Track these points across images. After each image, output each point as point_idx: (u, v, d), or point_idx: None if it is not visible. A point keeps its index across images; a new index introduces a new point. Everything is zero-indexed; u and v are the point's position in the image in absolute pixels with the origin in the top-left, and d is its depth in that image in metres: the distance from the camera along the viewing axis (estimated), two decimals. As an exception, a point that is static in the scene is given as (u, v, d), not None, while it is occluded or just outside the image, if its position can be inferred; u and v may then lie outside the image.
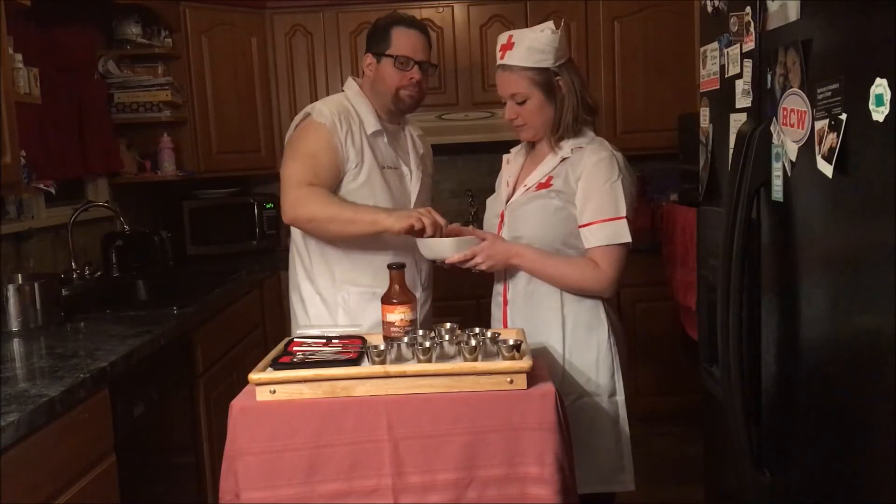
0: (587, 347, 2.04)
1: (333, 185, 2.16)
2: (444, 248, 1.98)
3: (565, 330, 2.04)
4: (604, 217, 1.98)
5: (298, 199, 2.10)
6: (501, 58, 2.03)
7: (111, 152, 3.39)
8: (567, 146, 2.05)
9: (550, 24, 2.03)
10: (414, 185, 2.30)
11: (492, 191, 2.27)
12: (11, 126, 2.17)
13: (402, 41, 2.19)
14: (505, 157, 2.27)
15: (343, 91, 2.31)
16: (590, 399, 2.03)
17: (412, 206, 2.26)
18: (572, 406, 2.00)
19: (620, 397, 2.05)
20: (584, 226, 2.00)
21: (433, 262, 2.18)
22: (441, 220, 1.98)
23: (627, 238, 1.98)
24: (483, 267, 2.00)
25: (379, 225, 2.01)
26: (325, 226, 2.10)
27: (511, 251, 2.01)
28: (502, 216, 2.11)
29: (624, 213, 1.98)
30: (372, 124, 2.22)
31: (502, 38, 2.05)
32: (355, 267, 2.23)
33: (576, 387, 2.03)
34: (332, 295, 2.26)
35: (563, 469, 1.61)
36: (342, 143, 2.15)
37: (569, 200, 2.01)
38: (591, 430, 2.02)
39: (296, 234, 2.30)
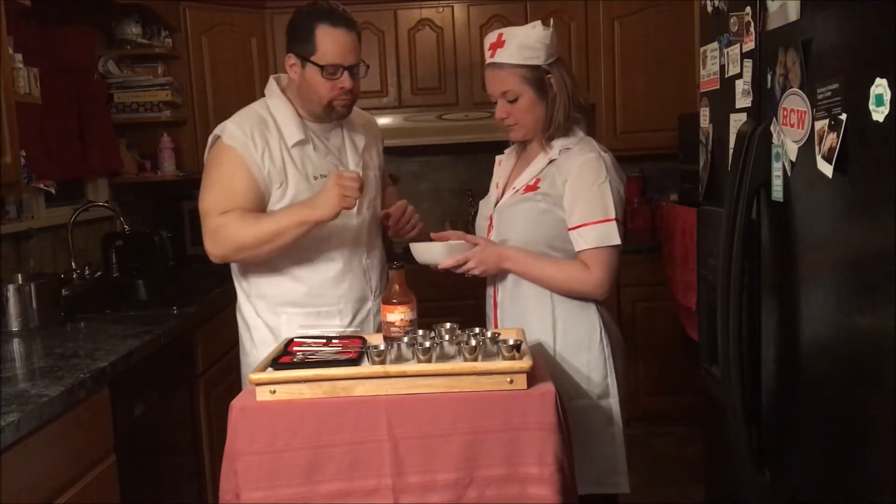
0: (578, 349, 2.03)
1: (258, 209, 1.99)
2: (436, 254, 1.97)
3: (556, 331, 2.03)
4: (593, 219, 1.96)
5: (216, 231, 1.96)
6: (492, 56, 2.01)
7: (111, 152, 3.39)
8: (556, 147, 2.03)
9: (540, 22, 2.02)
10: None
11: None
12: (11, 126, 2.17)
13: (329, 46, 1.95)
14: (497, 157, 2.25)
15: (264, 96, 2.10)
16: (582, 401, 2.02)
17: (356, 211, 2.03)
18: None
19: (614, 399, 2.03)
20: (574, 228, 1.98)
21: (427, 266, 2.09)
22: (355, 190, 1.85)
23: (617, 240, 1.96)
24: (476, 272, 1.99)
25: (308, 222, 1.89)
26: (259, 249, 1.95)
27: (502, 255, 2.00)
28: (491, 219, 2.10)
29: (613, 216, 1.95)
30: (293, 134, 2.02)
31: (492, 37, 2.03)
32: (294, 288, 2.08)
33: (567, 388, 2.01)
34: (273, 319, 2.10)
35: (563, 469, 1.61)
36: (259, 163, 1.97)
37: (556, 203, 1.99)
38: (584, 432, 2.00)
39: None
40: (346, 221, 2.05)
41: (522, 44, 1.97)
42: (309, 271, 2.08)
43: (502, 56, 1.99)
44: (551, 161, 2.03)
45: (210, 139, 2.07)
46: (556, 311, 2.03)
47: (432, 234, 2.11)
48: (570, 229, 1.99)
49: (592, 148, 2.02)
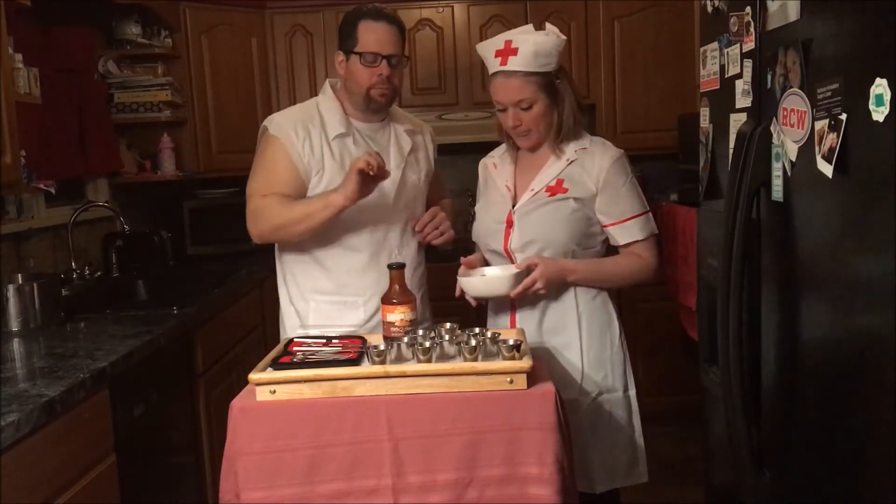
0: (602, 344, 2.07)
1: (299, 194, 2.12)
2: (501, 286, 1.92)
3: (581, 328, 2.05)
4: (635, 213, 2.06)
5: (256, 212, 2.10)
6: (503, 63, 1.96)
7: (111, 152, 3.39)
8: (569, 148, 2.05)
9: (554, 28, 2.01)
10: (391, 186, 2.16)
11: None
12: (11, 126, 2.17)
13: (369, 36, 2.09)
14: (489, 162, 2.22)
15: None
16: (608, 396, 2.06)
17: (390, 208, 2.16)
18: (592, 405, 2.03)
19: (632, 391, 2.11)
20: (616, 224, 2.04)
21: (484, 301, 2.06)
22: (373, 159, 1.90)
23: (656, 229, 2.10)
24: (543, 291, 1.97)
25: (332, 204, 1.98)
26: (291, 230, 2.07)
27: (565, 268, 2.00)
28: (509, 222, 2.07)
29: (648, 206, 2.08)
30: (335, 128, 2.13)
31: (497, 44, 1.98)
32: (322, 276, 2.18)
33: (595, 385, 2.05)
34: (303, 306, 2.21)
35: (563, 469, 1.61)
36: (300, 152, 2.10)
37: (585, 202, 2.02)
38: (610, 427, 2.06)
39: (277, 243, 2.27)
40: (378, 216, 2.15)
41: (538, 52, 1.95)
42: (335, 260, 2.16)
43: (516, 63, 1.95)
44: (571, 161, 2.04)
45: (260, 130, 2.21)
46: (580, 308, 2.06)
47: (463, 260, 2.06)
48: (608, 225, 2.05)
49: (612, 146, 2.08)
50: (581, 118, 2.07)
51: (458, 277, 1.99)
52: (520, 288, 1.92)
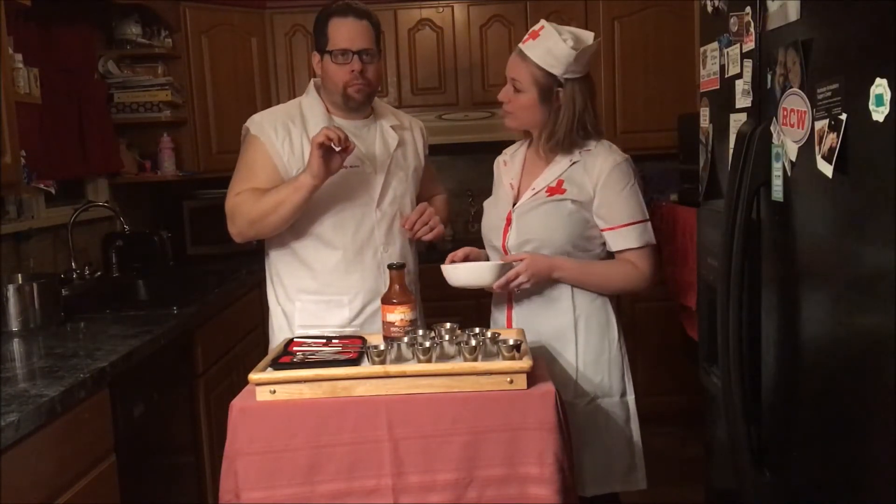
0: (600, 348, 2.05)
1: None
2: (484, 276, 1.92)
3: (578, 330, 2.04)
4: (633, 220, 2.02)
5: (231, 210, 2.11)
6: (524, 41, 2.03)
7: (111, 152, 3.39)
8: (574, 150, 2.04)
9: (588, 35, 2.01)
10: (377, 183, 2.17)
11: (491, 192, 2.25)
12: (11, 126, 2.17)
13: (339, 33, 2.09)
14: (500, 159, 2.23)
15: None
16: (604, 400, 2.05)
17: (375, 204, 2.17)
18: (587, 408, 2.02)
19: (631, 396, 2.09)
20: (613, 229, 2.02)
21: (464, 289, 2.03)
22: (332, 133, 1.90)
23: (654, 239, 2.06)
24: (527, 285, 1.96)
25: (301, 186, 1.97)
26: (267, 221, 2.05)
27: (553, 265, 1.99)
28: (508, 220, 2.07)
29: (647, 216, 2.05)
30: (317, 125, 2.08)
31: (536, 25, 2.04)
32: (306, 276, 2.17)
33: (591, 388, 2.04)
34: (289, 306, 2.20)
35: (563, 469, 1.61)
36: (279, 151, 2.11)
37: (583, 205, 2.02)
38: (606, 432, 2.04)
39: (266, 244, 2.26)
40: (363, 214, 2.15)
41: (549, 50, 1.97)
42: (319, 259, 2.15)
43: (530, 49, 2.00)
44: (574, 163, 2.04)
45: (242, 131, 2.20)
46: (578, 310, 2.05)
47: (449, 256, 2.04)
48: (606, 230, 2.03)
49: (617, 150, 2.06)
50: (578, 139, 2.02)
51: (442, 266, 1.98)
52: (502, 280, 1.92)
